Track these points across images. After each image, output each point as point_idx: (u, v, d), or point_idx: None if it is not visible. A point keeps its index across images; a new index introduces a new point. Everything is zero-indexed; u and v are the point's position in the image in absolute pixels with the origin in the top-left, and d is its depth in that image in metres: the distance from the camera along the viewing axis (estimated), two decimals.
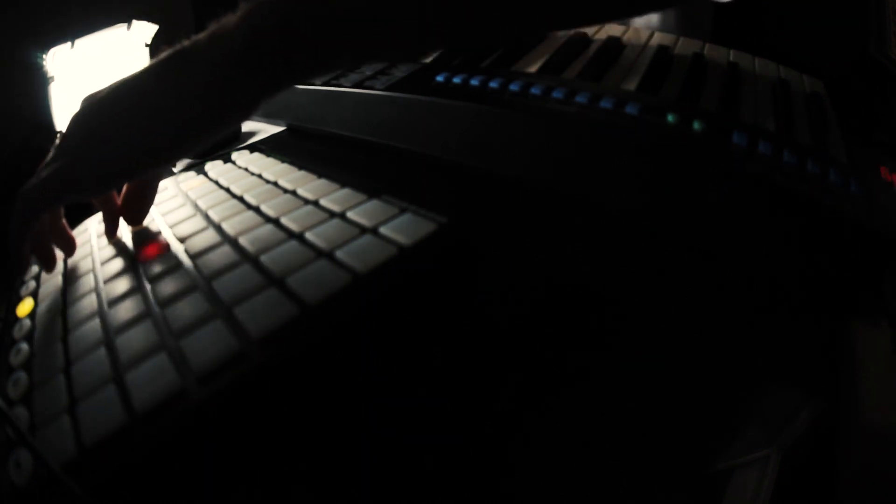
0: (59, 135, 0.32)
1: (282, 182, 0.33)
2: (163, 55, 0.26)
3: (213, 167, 0.38)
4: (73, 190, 0.27)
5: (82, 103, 0.28)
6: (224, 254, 0.26)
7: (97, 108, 0.27)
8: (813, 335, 0.24)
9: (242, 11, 0.25)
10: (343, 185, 0.31)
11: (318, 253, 0.24)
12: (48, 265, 0.30)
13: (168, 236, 0.29)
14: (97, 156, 0.26)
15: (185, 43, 0.26)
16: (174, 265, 0.26)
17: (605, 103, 0.32)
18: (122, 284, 0.26)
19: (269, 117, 0.49)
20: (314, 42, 0.25)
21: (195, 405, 0.18)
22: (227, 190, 0.34)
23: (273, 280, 0.23)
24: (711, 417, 0.22)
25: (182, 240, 0.28)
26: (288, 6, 0.24)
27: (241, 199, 0.32)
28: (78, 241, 0.31)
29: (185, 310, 0.22)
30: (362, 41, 0.26)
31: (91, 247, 0.31)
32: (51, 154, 0.27)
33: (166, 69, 0.26)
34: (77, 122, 0.27)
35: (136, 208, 0.31)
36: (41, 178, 0.26)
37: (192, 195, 0.34)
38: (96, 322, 0.24)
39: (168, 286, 0.24)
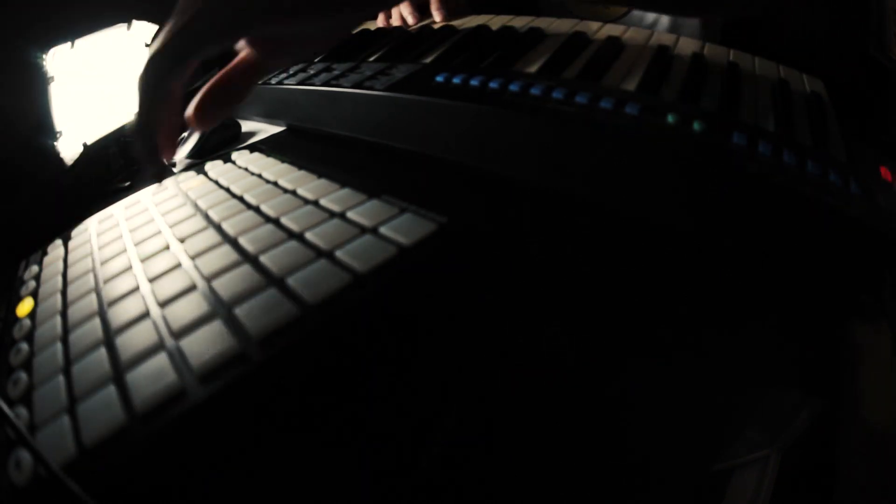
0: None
1: (282, 182, 0.33)
2: None
3: (213, 167, 0.38)
4: (198, 40, 0.24)
5: None
6: (224, 254, 0.26)
7: None
8: (813, 335, 0.24)
9: None
10: (343, 185, 0.31)
11: (318, 253, 0.24)
12: (170, 153, 0.29)
13: (168, 236, 0.29)
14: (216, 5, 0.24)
15: None
16: (174, 265, 0.26)
17: (605, 103, 0.32)
18: (122, 284, 0.26)
19: (269, 117, 0.49)
20: None
21: (195, 405, 0.18)
22: (227, 190, 0.34)
23: (273, 280, 0.23)
24: (711, 417, 0.22)
25: (182, 240, 0.28)
26: None
27: (241, 199, 0.32)
28: (78, 240, 0.31)
29: (185, 310, 0.22)
30: None
31: (91, 247, 0.31)
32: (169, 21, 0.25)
33: None
34: None
35: (221, 98, 0.28)
36: (161, 39, 0.24)
37: (192, 195, 0.34)
38: (96, 322, 0.24)
39: (168, 286, 0.24)
